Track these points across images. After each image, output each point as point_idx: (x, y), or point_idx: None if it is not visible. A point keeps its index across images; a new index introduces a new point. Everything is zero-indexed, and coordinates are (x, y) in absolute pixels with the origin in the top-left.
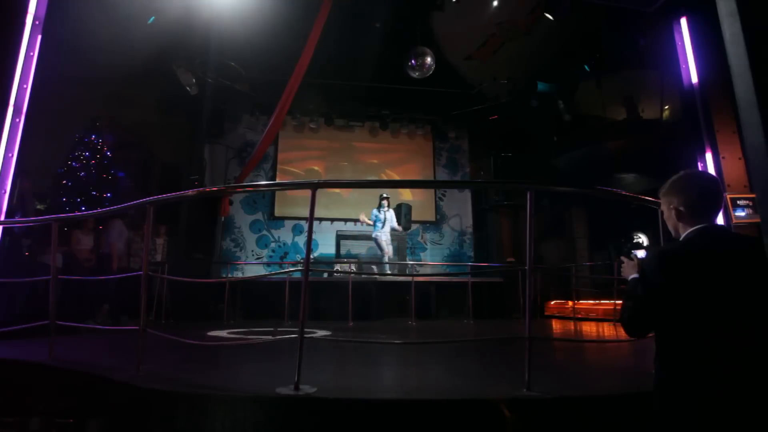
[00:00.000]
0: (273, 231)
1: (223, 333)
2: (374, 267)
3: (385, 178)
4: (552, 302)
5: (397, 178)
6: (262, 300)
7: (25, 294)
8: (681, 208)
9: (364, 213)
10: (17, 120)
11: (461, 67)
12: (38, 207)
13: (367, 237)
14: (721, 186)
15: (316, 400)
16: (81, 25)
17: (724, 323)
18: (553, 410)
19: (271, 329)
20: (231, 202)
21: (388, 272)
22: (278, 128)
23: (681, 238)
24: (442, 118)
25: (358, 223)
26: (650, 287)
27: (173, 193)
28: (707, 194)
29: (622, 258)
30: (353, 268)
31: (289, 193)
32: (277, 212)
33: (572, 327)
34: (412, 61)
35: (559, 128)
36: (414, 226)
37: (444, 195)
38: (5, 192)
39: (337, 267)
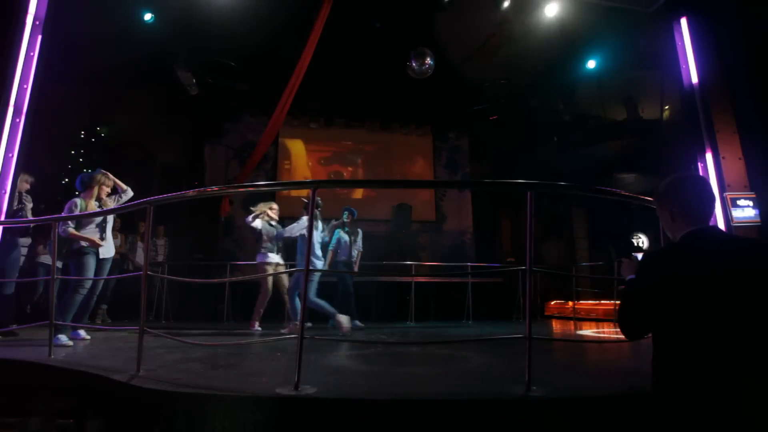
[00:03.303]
0: None
1: (223, 332)
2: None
3: (384, 178)
4: (552, 302)
5: (396, 178)
6: None
7: (25, 294)
8: (675, 211)
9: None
10: (17, 120)
11: (461, 68)
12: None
13: (368, 237)
14: (711, 187)
15: (316, 400)
16: (81, 25)
17: (719, 324)
18: (553, 410)
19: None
20: (231, 202)
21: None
22: (278, 128)
23: (676, 240)
24: (442, 118)
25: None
26: (645, 289)
27: (173, 193)
28: (699, 196)
29: (622, 258)
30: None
31: (289, 193)
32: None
33: (572, 327)
34: (412, 62)
35: (559, 128)
36: (414, 227)
37: (444, 195)
38: (5, 192)
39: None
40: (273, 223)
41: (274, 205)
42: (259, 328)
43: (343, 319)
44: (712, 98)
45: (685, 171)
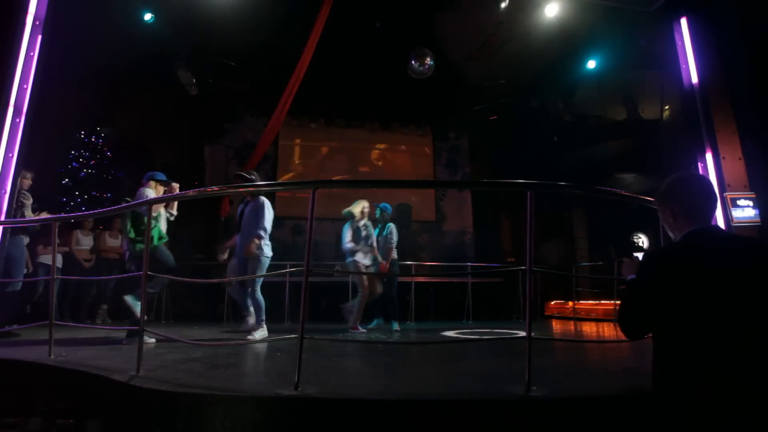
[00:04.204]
0: (273, 231)
1: (223, 332)
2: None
3: (384, 178)
4: (552, 302)
5: (396, 178)
6: None
7: (25, 294)
8: (676, 210)
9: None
10: (17, 120)
11: (461, 68)
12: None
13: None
14: (713, 187)
15: (316, 400)
16: (81, 25)
17: (719, 323)
18: (553, 410)
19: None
20: (231, 202)
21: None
22: (278, 128)
23: (677, 240)
24: (442, 118)
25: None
26: (646, 288)
27: (173, 194)
28: (701, 196)
29: (623, 258)
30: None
31: (294, 194)
32: (277, 212)
33: (572, 327)
34: (412, 61)
35: (559, 128)
36: (414, 226)
37: (444, 195)
38: (5, 192)
39: (337, 267)
40: (361, 224)
41: (367, 204)
42: (364, 330)
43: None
44: (712, 98)
45: (686, 171)
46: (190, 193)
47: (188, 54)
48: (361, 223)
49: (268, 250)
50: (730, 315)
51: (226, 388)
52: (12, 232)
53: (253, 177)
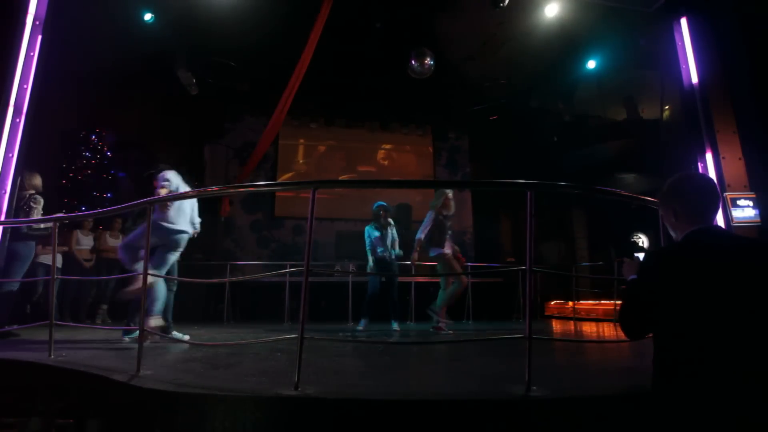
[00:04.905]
0: (273, 231)
1: (223, 332)
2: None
3: (384, 178)
4: (552, 302)
5: (397, 178)
6: (262, 300)
7: (25, 294)
8: (678, 210)
9: None
10: (17, 120)
11: (461, 68)
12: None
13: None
14: (717, 187)
15: (316, 400)
16: (81, 25)
17: (721, 322)
18: (553, 410)
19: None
20: (231, 202)
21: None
22: (278, 128)
23: (679, 239)
24: (442, 118)
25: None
26: (647, 288)
27: (173, 194)
28: (703, 195)
29: (624, 258)
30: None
31: (297, 194)
32: (277, 212)
33: (572, 327)
34: (412, 61)
35: (559, 128)
36: (414, 226)
37: None
38: (5, 192)
39: (338, 267)
40: (444, 213)
41: (450, 195)
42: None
43: (150, 321)
44: (712, 98)
45: (689, 170)
46: (190, 193)
47: (188, 54)
48: (444, 213)
49: (173, 225)
50: (732, 314)
51: (226, 388)
52: (24, 234)
53: (161, 167)
